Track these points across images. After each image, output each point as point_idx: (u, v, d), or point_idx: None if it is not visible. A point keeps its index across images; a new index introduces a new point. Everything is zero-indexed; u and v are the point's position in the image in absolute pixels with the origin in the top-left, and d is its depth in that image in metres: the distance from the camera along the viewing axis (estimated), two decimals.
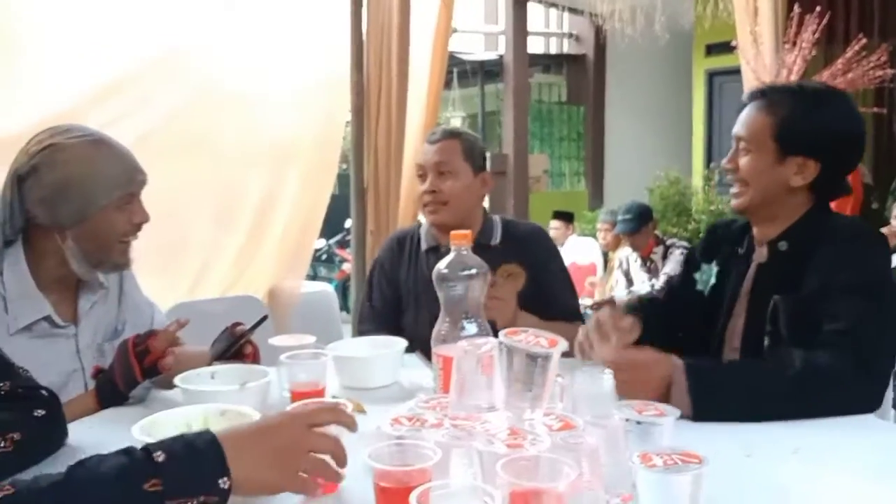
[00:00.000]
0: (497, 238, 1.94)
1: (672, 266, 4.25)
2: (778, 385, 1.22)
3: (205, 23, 2.89)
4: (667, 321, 1.57)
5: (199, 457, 0.82)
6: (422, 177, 1.94)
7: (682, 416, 1.15)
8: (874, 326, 1.29)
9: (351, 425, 0.90)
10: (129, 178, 1.46)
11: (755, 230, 1.54)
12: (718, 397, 1.21)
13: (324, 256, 9.54)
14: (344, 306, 6.51)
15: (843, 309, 1.29)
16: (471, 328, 1.14)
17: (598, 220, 5.34)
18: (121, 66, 2.68)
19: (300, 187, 3.27)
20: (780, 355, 1.29)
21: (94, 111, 2.55)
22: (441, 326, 1.16)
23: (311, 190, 3.32)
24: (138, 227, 1.49)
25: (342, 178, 3.70)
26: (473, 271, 1.15)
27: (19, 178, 1.41)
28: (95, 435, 1.21)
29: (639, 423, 0.95)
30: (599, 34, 7.92)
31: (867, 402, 1.25)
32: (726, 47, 4.69)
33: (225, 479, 0.81)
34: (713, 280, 1.59)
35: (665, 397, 1.19)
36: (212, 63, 2.92)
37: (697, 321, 1.57)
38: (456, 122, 9.55)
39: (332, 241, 9.36)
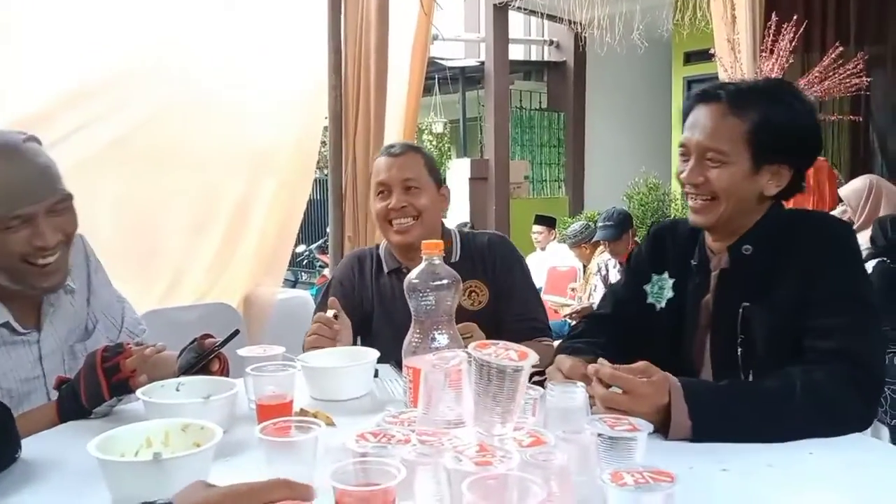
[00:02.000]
0: (456, 255, 1.86)
1: None
2: (778, 408, 1.16)
3: (182, 29, 2.85)
4: (622, 339, 1.48)
5: None
6: (383, 194, 1.83)
7: (680, 438, 1.14)
8: (867, 338, 1.24)
9: (307, 499, 0.79)
10: (15, 200, 1.31)
11: (710, 237, 1.43)
12: (719, 420, 1.15)
13: (305, 262, 9.48)
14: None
15: (832, 321, 1.24)
16: (442, 339, 1.11)
17: (568, 245, 5.25)
18: (95, 71, 2.64)
19: (277, 193, 3.23)
20: (777, 375, 1.22)
21: (65, 114, 2.51)
22: (412, 338, 1.13)
23: (287, 196, 3.29)
24: (45, 250, 1.35)
25: (323, 184, 3.67)
26: (445, 282, 1.12)
27: None
28: (52, 450, 1.16)
29: (611, 438, 0.93)
30: (579, 41, 7.96)
31: (865, 422, 1.22)
32: (704, 55, 4.73)
33: None
34: (670, 293, 1.47)
35: (664, 419, 1.15)
36: (189, 68, 2.88)
37: (657, 336, 1.46)
38: (437, 128, 9.56)
39: (313, 246, 9.32)
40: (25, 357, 1.42)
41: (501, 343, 0.92)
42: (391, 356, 1.53)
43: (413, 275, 1.15)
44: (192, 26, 2.88)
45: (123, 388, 1.28)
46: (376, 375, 1.51)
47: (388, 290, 1.88)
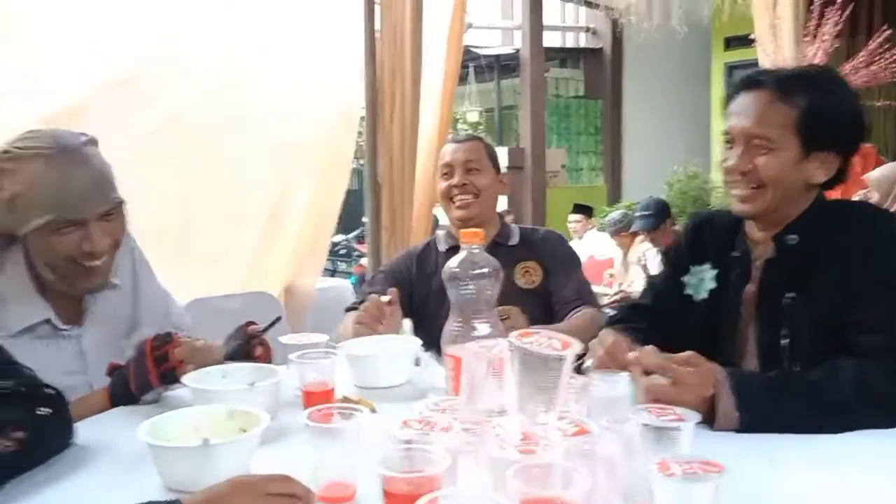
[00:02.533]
0: (515, 239, 2.00)
1: None
2: (827, 400, 1.14)
3: (218, 19, 2.88)
4: (662, 330, 1.45)
5: None
6: (447, 175, 2.00)
7: (728, 429, 1.12)
8: None
9: (303, 497, 0.86)
10: (69, 204, 1.33)
11: (753, 227, 1.40)
12: (767, 412, 1.13)
13: (342, 251, 9.55)
14: None
15: (880, 313, 1.21)
16: (483, 328, 1.11)
17: (609, 233, 5.23)
18: (131, 64, 2.67)
19: (314, 183, 3.26)
20: (825, 367, 1.19)
21: (100, 108, 2.52)
22: (452, 326, 1.14)
23: (325, 186, 3.31)
24: (91, 255, 1.37)
25: (360, 174, 3.69)
26: (485, 270, 1.12)
27: None
28: (104, 434, 1.20)
29: (657, 427, 0.92)
30: (616, 28, 7.84)
31: None
32: (745, 41, 4.63)
33: None
34: (712, 284, 1.45)
35: (709, 410, 1.13)
36: (224, 60, 2.91)
37: (696, 328, 1.44)
38: (472, 117, 9.53)
39: (350, 236, 9.37)
40: (67, 352, 1.44)
41: (544, 332, 0.91)
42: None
43: (453, 263, 1.15)
44: (229, 17, 2.90)
45: (171, 376, 1.30)
46: (417, 364, 1.52)
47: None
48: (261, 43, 3.01)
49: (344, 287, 3.70)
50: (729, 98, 1.39)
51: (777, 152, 1.31)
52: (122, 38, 2.65)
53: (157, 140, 2.73)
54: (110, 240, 1.40)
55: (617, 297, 4.02)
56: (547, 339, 0.88)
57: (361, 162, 4.89)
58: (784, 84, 1.32)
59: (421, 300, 1.96)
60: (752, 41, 4.19)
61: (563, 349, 0.87)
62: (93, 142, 1.42)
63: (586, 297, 1.93)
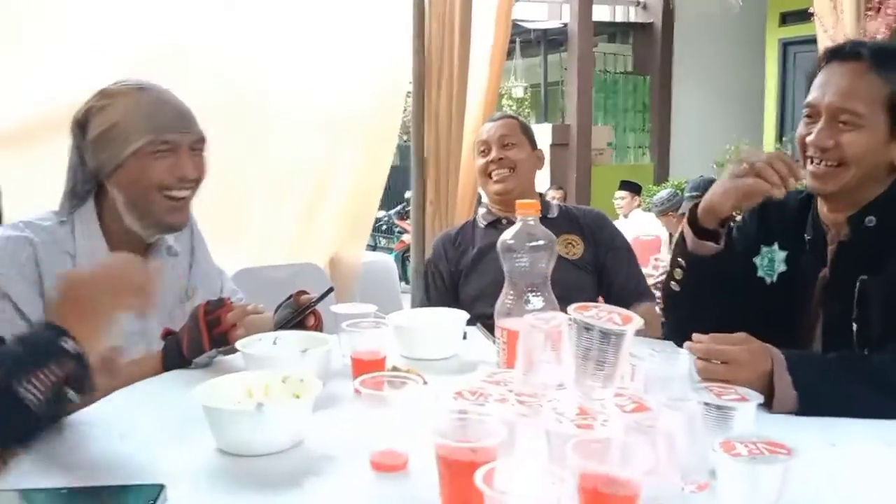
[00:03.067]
0: (554, 212, 2.05)
1: None
2: (891, 383, 1.09)
3: None
4: (729, 313, 1.39)
5: (32, 335, 0.90)
6: (484, 152, 2.07)
7: (786, 411, 1.09)
8: None
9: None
10: (167, 125, 1.39)
11: (826, 207, 1.36)
12: (825, 392, 1.09)
13: (384, 227, 9.59)
14: (403, 276, 6.54)
15: None
16: (537, 302, 1.09)
17: (656, 213, 5.14)
18: (180, 41, 2.67)
19: (360, 157, 3.26)
20: (891, 350, 1.15)
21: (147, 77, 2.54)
22: (505, 299, 1.12)
23: (370, 160, 3.31)
24: (183, 182, 1.42)
25: (402, 150, 3.68)
26: (540, 242, 1.10)
27: (79, 125, 1.42)
28: (158, 397, 1.22)
29: (718, 407, 0.89)
30: (668, 2, 7.65)
31: None
32: (803, 15, 4.46)
33: (65, 337, 0.88)
34: (783, 266, 1.41)
35: (767, 391, 1.10)
36: (275, 32, 2.90)
37: (767, 311, 1.39)
38: (518, 92, 9.43)
39: (391, 211, 9.40)
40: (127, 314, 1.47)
41: (604, 305, 0.89)
42: (484, 304, 1.65)
43: (508, 235, 1.13)
44: None
45: (223, 340, 1.32)
46: (464, 337, 1.51)
47: (484, 241, 2.02)
48: (310, 16, 3.00)
49: (387, 262, 3.70)
50: (815, 69, 1.33)
51: (864, 129, 1.25)
52: (181, 17, 2.66)
53: (206, 113, 2.74)
54: (196, 173, 1.44)
55: (662, 279, 3.93)
56: (607, 314, 0.86)
57: (405, 138, 4.87)
58: (880, 56, 1.25)
59: (453, 274, 2.04)
60: (811, 16, 4.03)
61: (623, 324, 0.84)
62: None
63: (643, 289, 1.98)
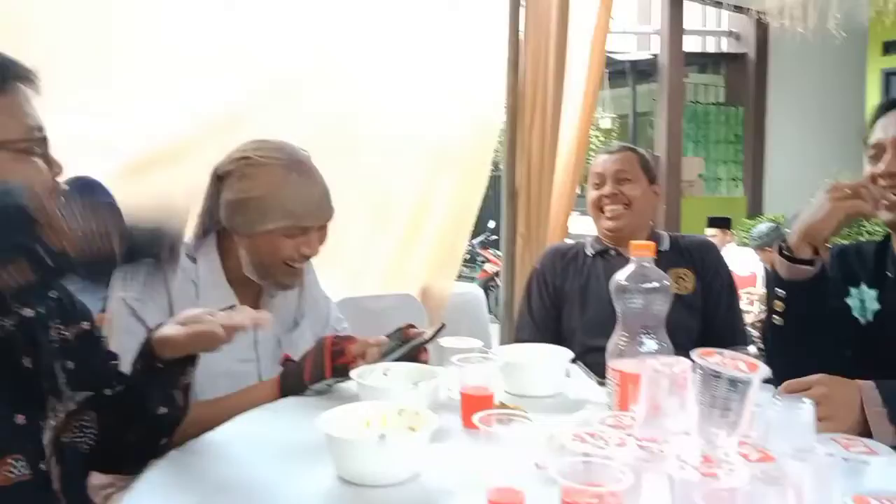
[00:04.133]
0: (665, 245, 1.97)
1: None
2: None
3: (361, 26, 2.98)
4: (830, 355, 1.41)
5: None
6: (598, 185, 2.01)
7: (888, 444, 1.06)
8: None
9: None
10: (305, 213, 1.49)
11: None
12: None
13: (467, 256, 9.64)
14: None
15: None
16: (650, 344, 1.09)
17: (752, 246, 5.01)
18: (281, 71, 2.81)
19: (455, 188, 3.31)
20: None
21: (258, 115, 2.69)
22: (618, 340, 1.13)
23: (464, 191, 3.35)
24: (305, 258, 1.53)
25: (490, 180, 3.70)
26: (655, 284, 1.11)
27: (218, 177, 1.53)
28: (278, 422, 1.28)
29: (845, 459, 0.87)
30: (762, 32, 7.46)
31: None
32: None
33: None
34: (875, 305, 1.42)
35: (859, 427, 1.08)
36: (369, 67, 3.01)
37: (864, 350, 1.40)
38: (605, 124, 9.37)
39: (475, 241, 9.45)
40: (243, 340, 1.54)
41: (727, 352, 0.89)
42: (586, 338, 1.70)
43: (622, 276, 1.14)
44: (371, 25, 2.99)
45: (343, 370, 1.37)
46: (567, 375, 1.51)
47: (589, 271, 1.99)
48: (412, 49, 3.10)
49: (476, 293, 3.72)
50: (875, 118, 1.41)
51: None
52: (282, 47, 2.80)
53: (310, 145, 2.86)
54: (320, 246, 1.55)
55: (762, 318, 3.81)
56: (732, 360, 0.86)
57: (492, 169, 4.88)
58: None
59: (558, 290, 1.99)
60: None
61: (750, 372, 0.84)
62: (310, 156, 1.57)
63: (739, 336, 1.91)
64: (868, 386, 1.13)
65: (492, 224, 9.06)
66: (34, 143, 0.98)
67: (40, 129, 1.00)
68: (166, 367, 1.15)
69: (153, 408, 1.17)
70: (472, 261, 9.70)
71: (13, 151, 0.96)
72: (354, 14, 2.96)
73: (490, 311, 5.13)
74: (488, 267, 9.10)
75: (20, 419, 0.98)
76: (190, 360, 1.19)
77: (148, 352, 1.15)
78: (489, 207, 3.79)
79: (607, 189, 1.97)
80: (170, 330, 1.14)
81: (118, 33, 2.37)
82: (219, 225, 1.54)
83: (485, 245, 9.28)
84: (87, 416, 1.14)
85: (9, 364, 0.99)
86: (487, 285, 8.31)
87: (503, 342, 3.07)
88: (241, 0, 2.68)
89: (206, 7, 2.61)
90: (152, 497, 1.00)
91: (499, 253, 8.89)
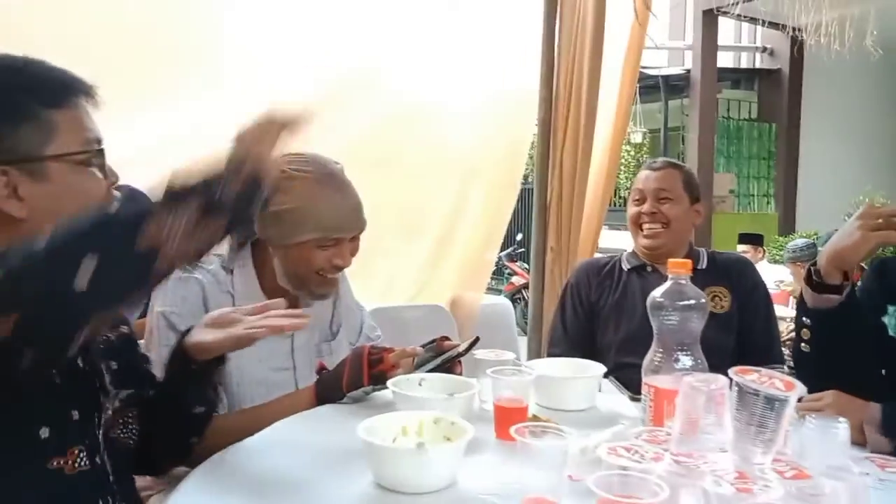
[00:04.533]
0: (703, 263, 1.97)
1: None
2: None
3: (399, 40, 3.03)
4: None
5: None
6: (638, 201, 2.00)
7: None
8: None
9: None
10: (337, 224, 1.52)
11: None
12: None
13: (493, 268, 9.62)
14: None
15: None
16: (686, 361, 1.10)
17: (786, 259, 4.99)
18: (322, 83, 2.87)
19: (485, 200, 3.34)
20: None
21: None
22: (654, 356, 1.14)
23: (494, 203, 3.38)
24: (337, 269, 1.55)
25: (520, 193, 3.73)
26: (691, 302, 1.12)
27: None
28: (317, 428, 1.31)
29: (881, 479, 0.88)
30: (797, 48, 7.41)
31: None
32: None
33: None
34: None
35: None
36: (405, 80, 3.05)
37: (891, 368, 1.40)
38: (636, 138, 9.34)
39: (502, 253, 9.44)
40: (279, 349, 1.58)
41: (763, 370, 0.90)
42: (620, 352, 1.72)
43: (658, 293, 1.15)
44: (407, 39, 3.04)
45: (381, 378, 1.40)
46: (599, 389, 1.52)
47: (624, 286, 1.99)
48: (442, 64, 3.14)
49: (505, 305, 3.73)
50: None
51: None
52: (316, 59, 2.85)
53: (344, 157, 2.90)
54: (352, 256, 1.57)
55: (792, 336, 3.76)
56: (768, 378, 0.87)
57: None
58: None
59: (592, 304, 1.99)
60: None
61: (786, 390, 0.85)
62: (343, 168, 1.60)
63: (775, 356, 1.90)
64: (875, 407, 1.15)
65: (519, 236, 9.07)
66: (92, 156, 1.03)
67: (98, 141, 1.05)
68: (200, 368, 1.20)
69: (190, 407, 1.23)
70: (498, 273, 9.70)
71: (73, 164, 1.00)
72: (390, 28, 3.01)
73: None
74: (515, 279, 9.10)
75: (76, 415, 1.03)
76: (221, 359, 1.24)
77: (181, 355, 1.20)
78: (517, 220, 3.81)
79: (647, 207, 1.96)
80: (203, 335, 1.19)
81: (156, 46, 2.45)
82: (254, 236, 1.58)
83: (512, 258, 9.28)
84: (131, 413, 1.20)
85: (67, 362, 1.03)
86: (514, 298, 8.30)
87: (531, 355, 3.08)
88: (281, 13, 2.74)
89: (247, 21, 2.69)
90: (198, 496, 1.03)
91: (526, 266, 8.90)
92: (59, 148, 0.98)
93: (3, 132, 0.96)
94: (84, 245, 0.81)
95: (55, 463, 0.99)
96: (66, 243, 0.81)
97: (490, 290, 9.19)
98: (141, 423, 1.21)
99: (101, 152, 1.05)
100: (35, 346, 0.82)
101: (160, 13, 2.34)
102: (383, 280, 3.15)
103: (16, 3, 2.05)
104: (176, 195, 0.85)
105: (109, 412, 1.12)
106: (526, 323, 3.38)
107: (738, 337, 1.89)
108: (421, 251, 3.26)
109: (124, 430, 1.18)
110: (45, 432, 0.98)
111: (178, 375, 1.21)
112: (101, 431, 1.08)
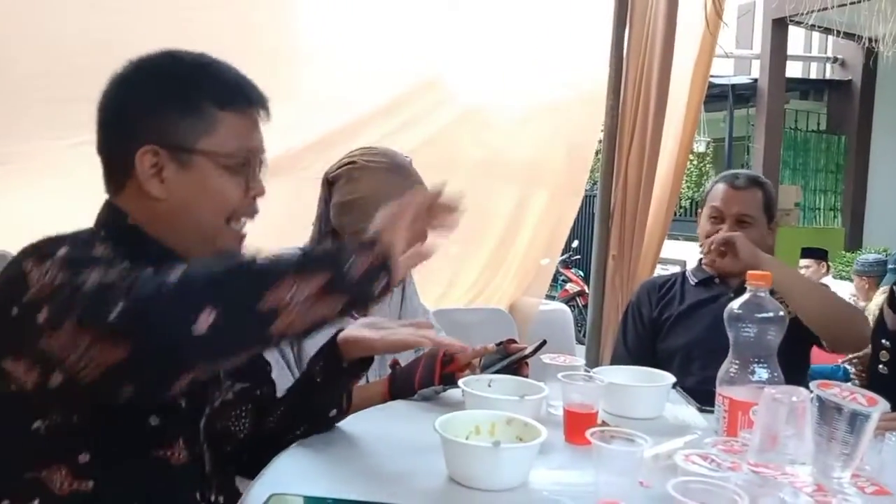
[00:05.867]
0: None
1: None
2: None
3: (464, 46, 3.07)
4: None
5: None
6: (716, 219, 1.93)
7: None
8: None
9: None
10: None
11: None
12: None
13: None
14: None
15: None
16: (762, 373, 1.11)
17: (853, 272, 4.86)
18: (393, 89, 2.93)
19: (547, 205, 3.35)
20: None
21: (365, 131, 2.79)
22: (729, 367, 1.15)
23: (557, 208, 3.39)
24: None
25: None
26: (770, 314, 1.12)
27: (328, 182, 1.63)
28: (391, 423, 1.35)
29: None
30: (870, 59, 7.19)
31: None
32: None
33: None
34: None
35: None
36: (473, 87, 3.09)
37: None
38: (699, 147, 9.19)
39: (557, 259, 9.39)
40: None
41: (845, 385, 0.90)
42: (678, 365, 1.72)
43: (736, 304, 1.16)
44: (472, 45, 3.07)
45: (451, 378, 1.44)
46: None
47: (693, 298, 1.97)
48: (507, 69, 3.16)
49: (564, 312, 3.73)
50: None
51: None
52: (388, 66, 2.91)
53: (424, 158, 2.95)
54: None
55: (860, 355, 3.66)
56: (850, 393, 0.87)
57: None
58: None
59: (654, 321, 1.99)
60: None
61: (868, 405, 0.85)
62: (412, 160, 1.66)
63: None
64: None
65: (576, 243, 9.01)
66: (240, 162, 1.05)
67: (254, 152, 1.07)
68: (348, 368, 1.23)
69: (326, 410, 1.25)
70: (553, 279, 9.66)
71: (218, 164, 1.03)
72: (455, 34, 3.05)
73: None
74: (570, 286, 9.05)
75: (183, 403, 1.06)
76: (369, 361, 1.27)
77: (331, 351, 1.22)
78: (574, 227, 3.80)
79: (724, 230, 1.89)
80: (360, 331, 1.22)
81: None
82: (331, 227, 1.64)
83: (567, 264, 9.23)
84: (245, 408, 1.23)
85: None
86: (568, 304, 8.25)
87: (590, 364, 3.08)
88: (352, 23, 2.81)
89: (319, 32, 2.77)
90: (285, 477, 1.08)
91: (580, 273, 8.81)
92: (211, 145, 1.02)
93: (169, 117, 1.01)
94: (212, 290, 0.80)
95: (161, 453, 1.01)
96: (196, 282, 0.81)
97: (545, 296, 9.18)
98: (252, 421, 1.23)
99: (247, 163, 1.06)
100: (135, 382, 0.81)
101: (231, 21, 2.41)
102: (443, 283, 3.19)
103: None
104: (306, 262, 0.85)
105: (217, 403, 1.15)
106: (578, 330, 3.38)
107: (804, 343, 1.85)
108: (481, 255, 3.29)
109: (236, 424, 1.21)
110: (154, 420, 1.00)
111: (323, 372, 1.22)
112: (202, 422, 1.10)
